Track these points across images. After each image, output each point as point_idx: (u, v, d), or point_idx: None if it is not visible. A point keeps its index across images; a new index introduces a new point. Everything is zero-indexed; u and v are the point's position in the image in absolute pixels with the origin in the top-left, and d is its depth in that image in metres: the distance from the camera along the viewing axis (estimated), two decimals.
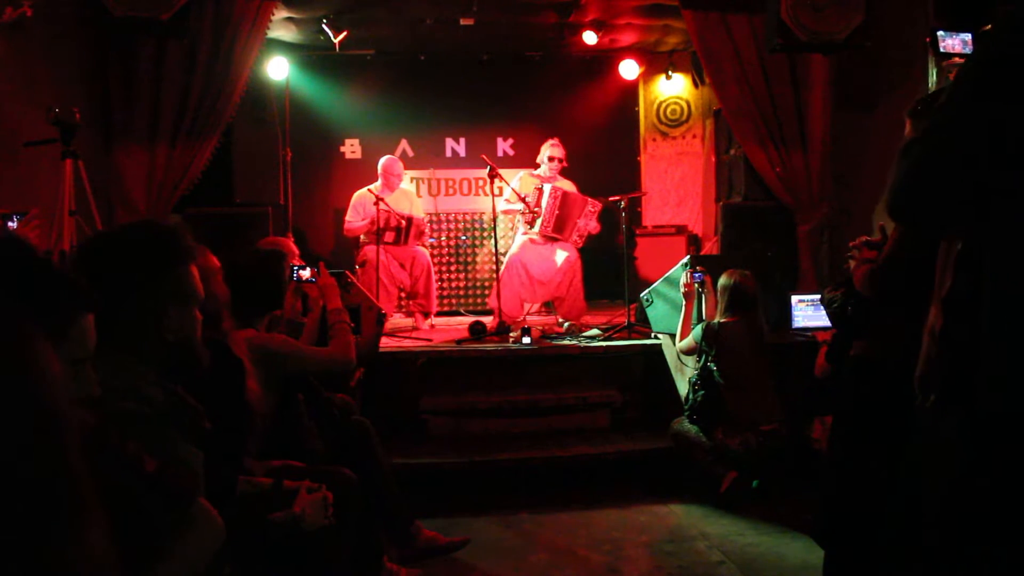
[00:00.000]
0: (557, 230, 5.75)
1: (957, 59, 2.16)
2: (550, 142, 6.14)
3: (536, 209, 5.74)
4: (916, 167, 1.39)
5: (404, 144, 7.35)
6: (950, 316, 1.46)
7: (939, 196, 1.37)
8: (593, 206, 5.80)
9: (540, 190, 5.77)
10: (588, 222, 5.80)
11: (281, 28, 6.26)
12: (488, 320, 5.55)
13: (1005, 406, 1.30)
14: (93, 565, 0.75)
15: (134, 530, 1.21)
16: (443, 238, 7.28)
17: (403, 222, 5.89)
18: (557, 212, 5.73)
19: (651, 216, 7.52)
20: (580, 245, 5.87)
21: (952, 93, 1.40)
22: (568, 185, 6.09)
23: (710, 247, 6.70)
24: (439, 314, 6.40)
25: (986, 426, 1.33)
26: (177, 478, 1.39)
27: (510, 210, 6.09)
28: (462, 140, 7.46)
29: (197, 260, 2.11)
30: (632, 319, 5.43)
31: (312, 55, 6.91)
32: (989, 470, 1.33)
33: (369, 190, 6.00)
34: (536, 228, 5.77)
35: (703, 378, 4.22)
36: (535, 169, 6.23)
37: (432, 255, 6.40)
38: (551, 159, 6.02)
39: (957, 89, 1.39)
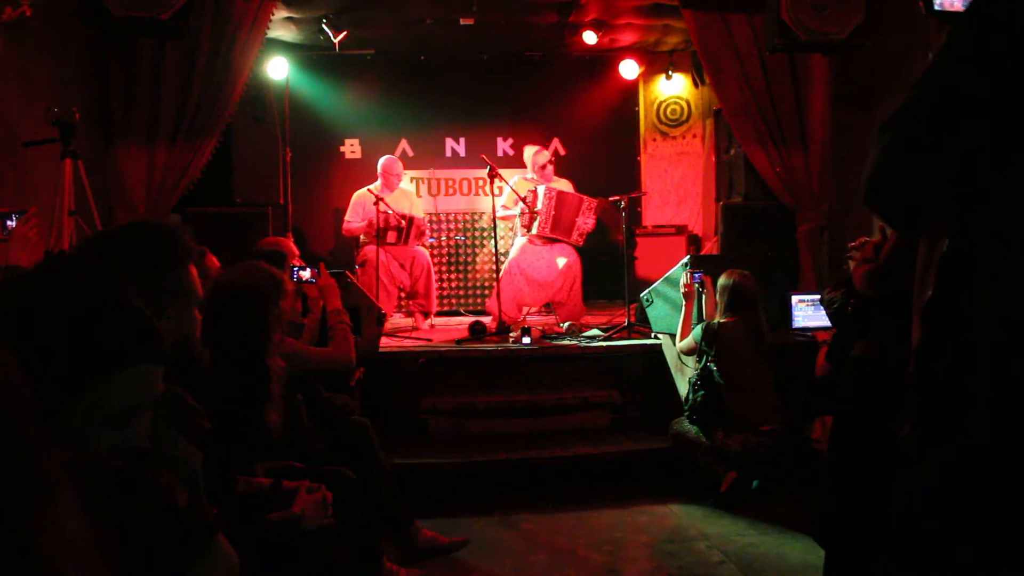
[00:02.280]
0: (555, 230, 5.75)
1: None
2: (532, 149, 6.15)
3: (535, 210, 5.74)
4: (894, 144, 1.15)
5: (404, 144, 7.35)
6: (930, 330, 1.20)
7: (922, 176, 1.14)
8: (589, 204, 5.81)
9: (535, 192, 5.78)
10: (587, 220, 5.81)
11: (281, 28, 6.26)
12: (488, 320, 5.55)
13: (997, 439, 1.07)
14: (63, 546, 0.75)
15: (157, 563, 1.20)
16: (443, 238, 7.28)
17: (403, 222, 5.89)
18: (554, 213, 5.73)
19: (651, 216, 7.52)
20: (581, 244, 5.87)
21: (939, 54, 1.15)
22: (564, 184, 6.09)
23: (710, 247, 6.70)
24: (439, 314, 6.40)
25: (973, 461, 1.10)
26: (203, 513, 1.38)
27: (507, 216, 6.11)
28: (462, 140, 7.46)
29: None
30: (632, 319, 5.43)
31: (312, 55, 6.91)
32: (977, 507, 1.09)
33: (369, 190, 5.99)
34: (535, 230, 5.77)
35: (703, 378, 4.22)
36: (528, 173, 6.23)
37: (432, 255, 6.40)
38: (542, 167, 6.03)
39: (945, 49, 1.14)
